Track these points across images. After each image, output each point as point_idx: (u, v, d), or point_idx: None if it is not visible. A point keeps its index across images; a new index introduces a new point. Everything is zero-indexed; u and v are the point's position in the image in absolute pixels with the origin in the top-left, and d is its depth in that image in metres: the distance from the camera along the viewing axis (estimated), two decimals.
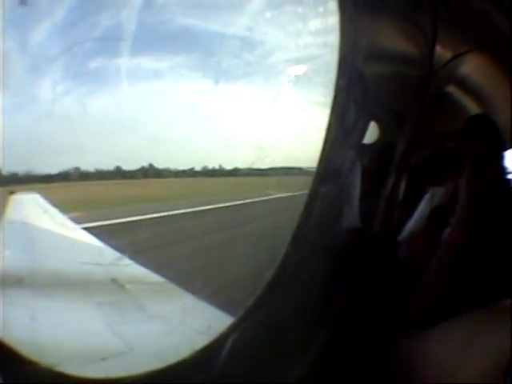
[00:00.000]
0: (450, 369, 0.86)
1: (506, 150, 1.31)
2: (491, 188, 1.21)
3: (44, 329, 1.32)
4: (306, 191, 0.91)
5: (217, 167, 2.17)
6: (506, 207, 1.16)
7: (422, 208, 1.49)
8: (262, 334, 0.95)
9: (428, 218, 1.44)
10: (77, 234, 2.05)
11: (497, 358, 0.77)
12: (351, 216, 1.01)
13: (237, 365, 0.91)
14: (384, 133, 1.07)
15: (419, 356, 0.93)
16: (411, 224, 1.49)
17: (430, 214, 1.44)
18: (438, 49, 1.36)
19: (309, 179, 0.94)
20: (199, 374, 0.89)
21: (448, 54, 1.45)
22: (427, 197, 1.51)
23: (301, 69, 1.33)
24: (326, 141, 0.90)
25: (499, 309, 0.87)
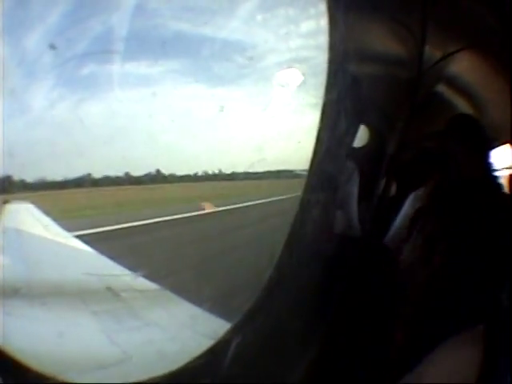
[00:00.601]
0: None
1: (489, 148, 1.30)
2: (470, 187, 1.20)
3: (42, 339, 1.32)
4: (300, 194, 0.92)
5: (216, 171, 2.19)
6: (485, 207, 1.15)
7: (406, 209, 1.49)
8: (262, 336, 0.95)
9: (410, 219, 1.42)
10: (71, 242, 2.04)
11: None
12: (345, 219, 1.01)
13: (239, 367, 0.91)
14: (375, 134, 1.08)
15: None
16: (396, 224, 1.49)
17: (412, 216, 1.43)
18: (428, 48, 1.37)
19: (302, 182, 0.94)
20: (205, 377, 0.90)
21: (438, 54, 1.46)
22: (410, 198, 1.51)
23: (293, 71, 1.33)
24: (317, 144, 0.90)
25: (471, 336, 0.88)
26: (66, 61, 1.57)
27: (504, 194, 1.26)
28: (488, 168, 1.29)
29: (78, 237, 2.02)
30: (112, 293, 1.65)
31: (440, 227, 1.20)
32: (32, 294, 1.59)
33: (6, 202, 2.08)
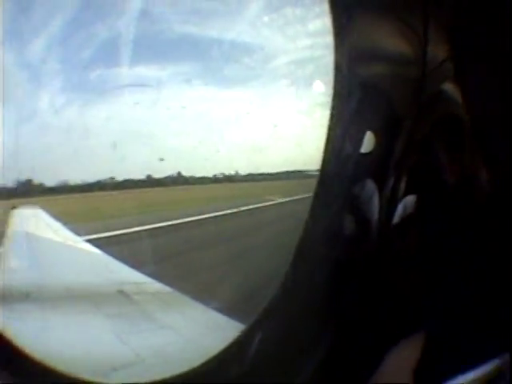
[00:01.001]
0: None
1: (476, 151, 1.27)
2: (453, 192, 1.17)
3: (54, 342, 1.32)
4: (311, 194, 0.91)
5: (233, 173, 2.19)
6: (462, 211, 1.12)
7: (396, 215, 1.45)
8: (277, 337, 0.95)
9: (396, 228, 1.38)
10: (83, 246, 2.05)
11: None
12: (360, 222, 1.00)
13: (254, 370, 0.91)
14: (383, 135, 1.07)
15: None
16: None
17: (399, 224, 1.38)
18: (434, 48, 1.36)
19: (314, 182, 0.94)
20: (219, 379, 0.90)
21: (443, 54, 1.44)
22: (400, 205, 1.47)
23: (302, 71, 1.33)
24: (327, 144, 0.89)
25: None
26: (74, 66, 1.58)
27: (485, 200, 1.22)
28: (472, 172, 1.25)
29: (89, 241, 2.02)
30: (124, 296, 1.65)
31: (421, 236, 1.18)
32: (43, 298, 1.60)
33: (15, 206, 2.09)
